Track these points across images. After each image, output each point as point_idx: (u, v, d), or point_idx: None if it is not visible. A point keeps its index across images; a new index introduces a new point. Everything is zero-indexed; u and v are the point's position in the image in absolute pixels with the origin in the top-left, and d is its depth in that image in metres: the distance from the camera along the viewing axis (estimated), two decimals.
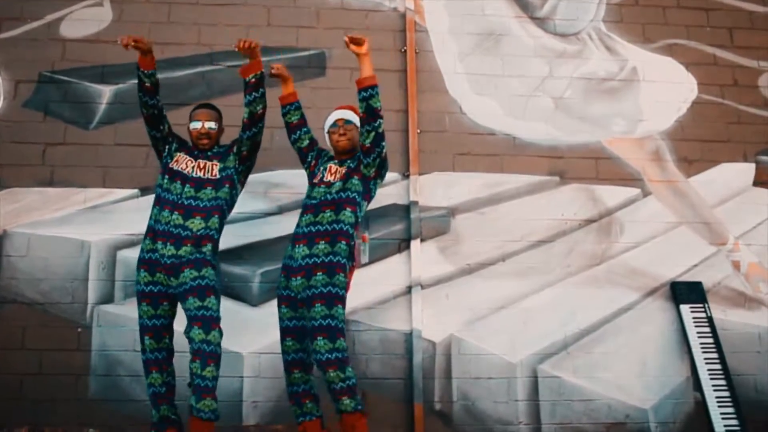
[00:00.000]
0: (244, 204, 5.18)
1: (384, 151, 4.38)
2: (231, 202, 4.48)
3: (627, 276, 5.51)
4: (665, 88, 5.87)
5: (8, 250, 5.19)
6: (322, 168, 4.45)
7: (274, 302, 5.02)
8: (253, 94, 4.39)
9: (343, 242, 4.23)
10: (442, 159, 5.58)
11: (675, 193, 5.70)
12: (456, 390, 5.23)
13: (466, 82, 5.73)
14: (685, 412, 5.31)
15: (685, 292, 5.46)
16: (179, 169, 4.38)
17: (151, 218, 4.34)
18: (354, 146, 4.48)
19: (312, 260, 4.19)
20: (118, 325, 5.11)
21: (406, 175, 5.49)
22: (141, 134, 5.25)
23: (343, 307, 4.18)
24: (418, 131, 5.56)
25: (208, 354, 4.03)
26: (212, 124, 4.47)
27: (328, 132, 4.54)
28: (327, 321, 4.08)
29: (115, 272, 5.20)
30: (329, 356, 4.03)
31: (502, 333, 5.31)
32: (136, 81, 4.47)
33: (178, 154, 4.44)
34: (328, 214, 4.25)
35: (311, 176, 4.48)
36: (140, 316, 4.26)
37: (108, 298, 5.17)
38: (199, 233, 4.23)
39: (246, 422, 5.08)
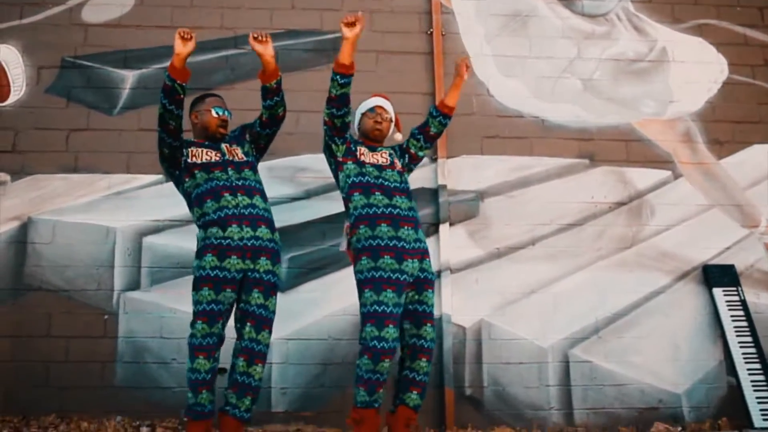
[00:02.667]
0: (270, 189, 5.02)
1: None
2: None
3: (658, 259, 5.44)
4: (695, 69, 5.79)
5: (33, 237, 5.15)
6: (371, 152, 4.33)
7: (303, 288, 5.17)
8: (275, 98, 4.28)
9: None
10: (470, 142, 5.51)
11: (706, 175, 5.63)
12: (487, 375, 5.17)
13: (494, 64, 5.66)
14: (719, 396, 5.25)
15: (718, 276, 5.38)
16: (206, 160, 4.21)
17: (208, 213, 4.09)
18: (383, 138, 4.44)
19: (421, 245, 4.16)
20: (145, 312, 5.07)
21: (434, 159, 5.43)
22: None
23: None
24: None
25: (257, 353, 4.02)
26: (228, 114, 4.36)
27: (364, 113, 4.43)
28: (432, 309, 4.11)
29: (141, 259, 5.16)
30: (431, 345, 4.07)
31: (532, 317, 5.25)
32: (159, 66, 4.38)
33: (191, 149, 4.25)
34: (414, 204, 4.28)
35: (352, 153, 4.29)
36: (197, 302, 4.03)
37: (134, 285, 5.12)
38: (266, 215, 4.16)
39: (275, 409, 5.03)
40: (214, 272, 4.03)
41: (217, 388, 4.10)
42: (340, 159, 4.31)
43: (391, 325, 3.92)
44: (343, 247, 4.28)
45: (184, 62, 4.09)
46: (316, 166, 5.29)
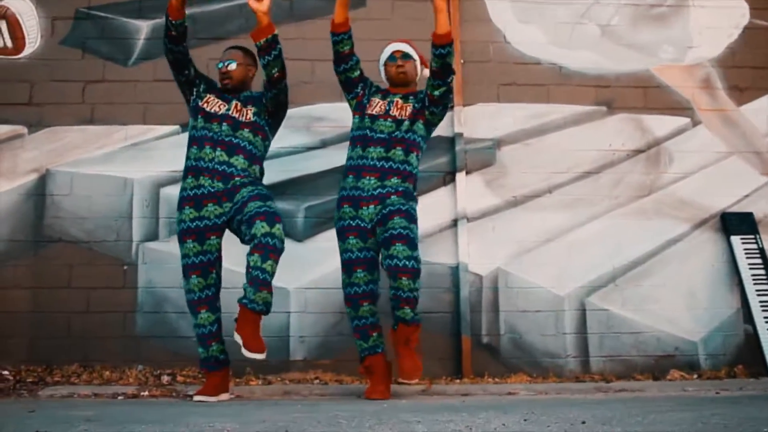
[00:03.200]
0: (286, 138, 5.13)
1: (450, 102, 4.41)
2: (264, 154, 4.37)
3: (676, 207, 5.42)
4: (716, 13, 5.69)
5: (51, 189, 5.19)
6: (382, 100, 4.33)
7: (319, 237, 5.18)
8: (266, 57, 4.19)
9: (412, 185, 4.24)
10: (486, 90, 5.47)
11: (725, 122, 5.57)
12: (503, 323, 5.21)
13: (510, 10, 5.59)
14: (736, 344, 5.27)
15: (736, 223, 5.37)
16: (212, 110, 4.24)
17: (189, 159, 4.20)
18: (411, 80, 4.39)
19: (386, 190, 4.14)
20: (164, 262, 5.12)
21: (450, 107, 5.36)
22: None
23: (417, 232, 4.16)
24: (462, 62, 5.44)
25: (271, 248, 3.87)
26: (233, 65, 4.30)
27: (384, 64, 4.42)
28: (407, 231, 4.02)
29: (158, 209, 5.20)
30: (406, 263, 3.94)
31: (549, 266, 5.27)
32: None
33: (208, 95, 4.29)
34: (400, 153, 4.19)
35: (361, 106, 4.35)
36: (185, 255, 4.13)
37: (153, 236, 5.17)
38: (243, 174, 4.13)
39: (293, 357, 5.10)
40: (194, 223, 4.12)
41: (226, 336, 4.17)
42: (353, 113, 4.39)
43: (359, 270, 4.09)
44: None
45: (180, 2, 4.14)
46: (332, 115, 5.30)
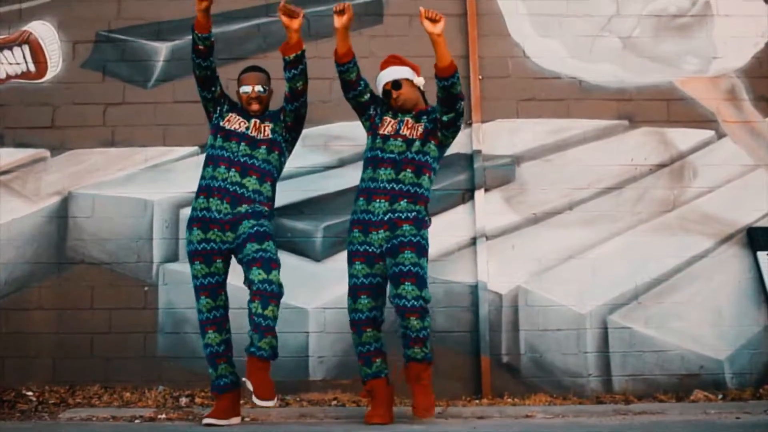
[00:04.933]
0: (303, 158, 5.16)
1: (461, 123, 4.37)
2: (279, 170, 4.40)
3: (700, 222, 5.32)
4: (741, 23, 5.55)
5: (74, 211, 5.26)
6: (393, 119, 4.30)
7: (338, 257, 5.16)
8: (293, 71, 4.26)
9: (423, 207, 4.21)
10: (505, 105, 5.42)
11: (752, 134, 5.44)
12: (523, 342, 5.16)
13: (529, 23, 5.52)
14: (763, 362, 5.17)
15: (763, 238, 5.25)
16: (232, 128, 4.31)
17: (203, 178, 4.28)
18: (413, 102, 4.35)
19: (396, 215, 4.12)
20: (184, 283, 5.04)
21: (468, 124, 5.35)
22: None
23: (427, 263, 4.14)
24: (480, 77, 5.40)
25: (269, 294, 3.93)
26: (261, 88, 4.36)
27: (382, 94, 4.39)
28: (416, 268, 4.02)
29: (178, 230, 5.23)
30: (414, 303, 3.96)
31: (570, 283, 5.21)
32: (191, 37, 4.41)
33: (230, 114, 4.36)
34: (410, 175, 4.17)
35: (374, 126, 4.33)
36: (194, 276, 4.20)
37: (173, 257, 5.23)
38: (254, 196, 4.17)
39: (312, 377, 5.12)
40: (201, 246, 4.18)
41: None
42: (367, 133, 4.39)
43: (363, 296, 4.11)
44: None
45: (204, 13, 4.23)
46: (350, 133, 5.28)
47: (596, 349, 5.15)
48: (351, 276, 4.19)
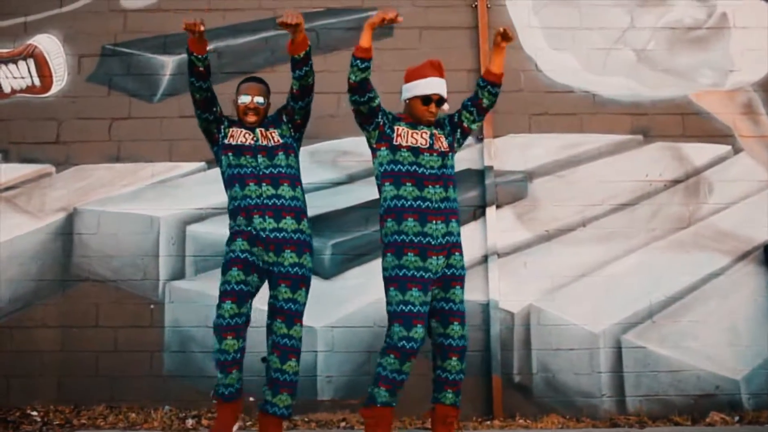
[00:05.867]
0: (312, 173, 5.08)
1: None
2: (300, 169, 4.31)
3: (716, 239, 5.22)
4: (758, 35, 5.46)
5: (79, 227, 5.20)
6: (412, 130, 4.08)
7: (348, 274, 5.15)
8: (304, 68, 4.16)
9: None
10: (517, 120, 5.33)
11: None
12: (536, 362, 5.07)
13: (542, 36, 5.44)
14: None
15: None
16: (240, 143, 4.20)
17: (234, 198, 4.12)
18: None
19: (452, 239, 3.99)
20: (190, 301, 5.10)
21: (480, 139, 5.27)
22: None
23: None
24: None
25: (289, 348, 3.98)
26: (261, 99, 4.22)
27: (413, 97, 4.11)
28: (464, 307, 4.00)
29: (185, 247, 5.17)
30: (459, 342, 3.94)
31: (583, 302, 5.12)
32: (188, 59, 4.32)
33: (231, 129, 4.24)
34: (452, 191, 4.05)
35: (386, 137, 4.07)
36: (226, 282, 4.02)
37: (179, 274, 5.15)
38: (293, 204, 4.11)
39: (321, 397, 5.04)
40: (244, 255, 4.05)
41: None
42: (374, 145, 4.14)
43: (419, 325, 3.83)
44: None
45: (201, 34, 4.10)
46: (358, 149, 5.18)
47: (610, 369, 5.06)
48: (405, 303, 3.85)
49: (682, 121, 5.36)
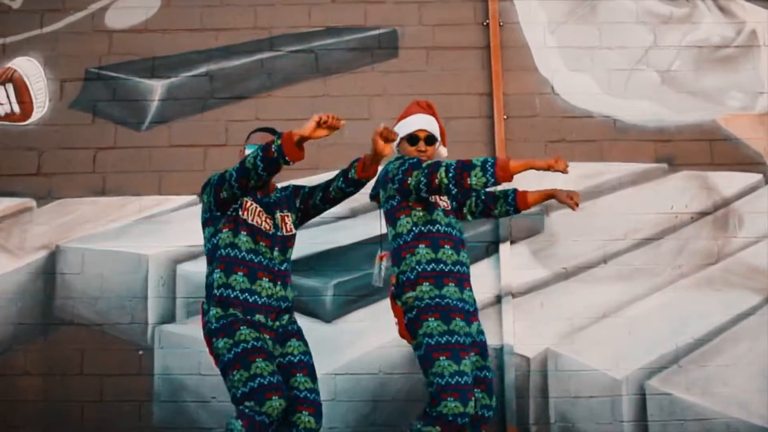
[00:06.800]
0: None
1: None
2: None
3: (747, 276, 4.95)
4: None
5: (62, 267, 4.90)
6: None
7: (350, 317, 4.91)
8: (351, 189, 3.84)
9: None
10: (532, 147, 4.98)
11: None
12: (554, 411, 4.78)
13: (559, 57, 5.16)
14: None
15: None
16: (255, 224, 3.65)
17: (231, 288, 3.56)
18: None
19: (475, 306, 3.81)
20: (182, 347, 4.82)
21: None
22: (196, 133, 5.05)
23: None
24: (505, 117, 5.01)
25: (318, 404, 3.63)
26: None
27: (403, 139, 3.84)
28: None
29: (175, 288, 4.88)
30: (490, 414, 3.75)
31: (604, 345, 4.83)
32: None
33: (245, 199, 3.68)
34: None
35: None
36: (242, 341, 3.46)
37: (169, 317, 4.87)
38: (291, 304, 3.74)
39: None
40: (258, 342, 3.52)
41: None
42: (411, 204, 3.75)
43: (472, 399, 3.55)
44: (379, 282, 3.91)
45: (303, 143, 3.44)
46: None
47: (633, 418, 4.77)
48: (459, 374, 3.51)
49: (710, 148, 5.07)
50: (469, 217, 4.01)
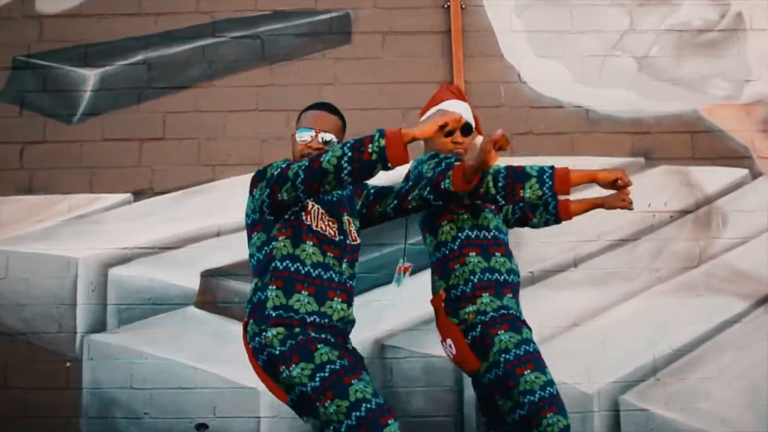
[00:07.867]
0: None
1: None
2: None
3: (732, 280, 4.71)
4: None
5: None
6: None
7: None
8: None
9: None
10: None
11: None
12: None
13: (526, 42, 4.90)
14: None
15: None
16: (321, 230, 3.02)
17: (294, 311, 2.88)
18: None
19: None
20: (112, 358, 4.55)
21: None
22: (132, 126, 4.84)
23: None
24: None
25: None
26: (330, 136, 3.07)
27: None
28: None
29: (106, 294, 4.60)
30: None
31: (574, 357, 4.56)
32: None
33: (308, 201, 3.05)
34: None
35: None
36: (326, 362, 2.81)
37: (100, 326, 4.59)
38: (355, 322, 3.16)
39: None
40: (343, 360, 2.91)
41: None
42: (453, 207, 3.35)
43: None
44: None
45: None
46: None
47: None
48: (552, 384, 3.33)
49: (691, 141, 4.84)
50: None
